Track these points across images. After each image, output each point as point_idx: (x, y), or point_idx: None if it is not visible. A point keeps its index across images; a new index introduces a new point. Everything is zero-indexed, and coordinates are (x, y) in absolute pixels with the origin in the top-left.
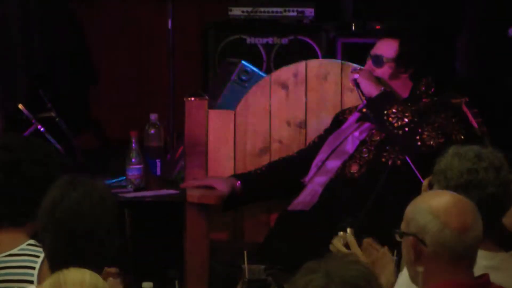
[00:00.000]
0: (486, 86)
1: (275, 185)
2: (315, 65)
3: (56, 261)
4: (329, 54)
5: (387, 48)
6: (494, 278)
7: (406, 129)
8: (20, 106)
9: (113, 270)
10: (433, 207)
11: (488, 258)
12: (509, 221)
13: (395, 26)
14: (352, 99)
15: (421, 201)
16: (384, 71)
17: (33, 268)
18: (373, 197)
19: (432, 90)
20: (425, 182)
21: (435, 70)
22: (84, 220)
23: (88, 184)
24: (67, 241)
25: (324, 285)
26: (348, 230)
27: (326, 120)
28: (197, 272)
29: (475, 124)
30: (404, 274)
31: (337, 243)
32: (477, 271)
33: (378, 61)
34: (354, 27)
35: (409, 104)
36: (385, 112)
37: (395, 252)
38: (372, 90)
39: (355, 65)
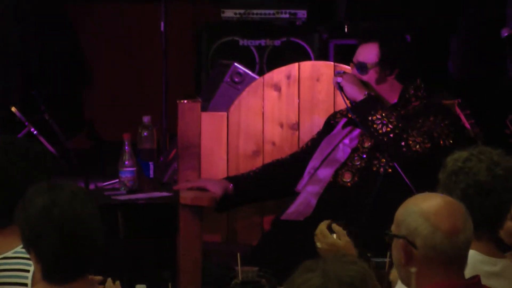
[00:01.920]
0: (479, 87)
1: (267, 188)
2: (308, 66)
3: (55, 266)
4: (322, 55)
5: (367, 53)
6: (496, 285)
7: (391, 135)
8: (13, 109)
9: (97, 278)
10: (424, 209)
11: (490, 264)
12: (504, 232)
13: (372, 28)
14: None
15: (411, 204)
16: (370, 77)
17: (27, 271)
18: (367, 207)
19: (422, 92)
20: (322, 225)
21: (426, 72)
22: (80, 221)
23: (70, 186)
24: (69, 244)
25: (321, 284)
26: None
27: (319, 121)
28: (190, 274)
29: (467, 126)
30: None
31: (321, 226)
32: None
33: (362, 68)
34: (347, 29)
35: (398, 108)
36: (370, 118)
37: (388, 254)
38: (356, 94)
39: (339, 69)
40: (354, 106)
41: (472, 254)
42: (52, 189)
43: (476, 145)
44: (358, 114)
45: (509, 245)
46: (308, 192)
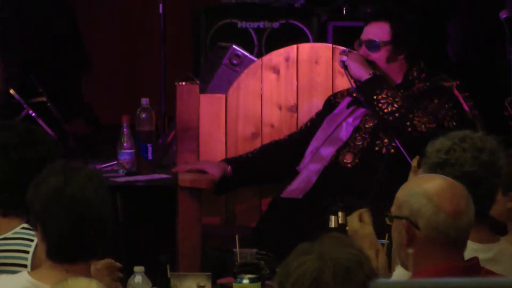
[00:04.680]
0: (478, 70)
1: (266, 169)
2: (307, 49)
3: (60, 246)
4: (320, 38)
5: (379, 31)
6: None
7: (397, 114)
8: (11, 91)
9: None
10: (427, 190)
11: (484, 251)
12: (497, 209)
13: (384, 8)
14: (343, 83)
15: (414, 185)
16: (380, 55)
17: (27, 252)
18: (371, 188)
19: (423, 75)
20: (413, 163)
21: (426, 54)
22: (90, 204)
23: (86, 169)
24: (76, 225)
25: (317, 267)
26: (340, 213)
27: (318, 104)
28: (189, 256)
29: (466, 108)
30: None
31: (354, 214)
32: None
33: (373, 45)
34: (345, 11)
35: (401, 90)
36: (375, 97)
37: (387, 236)
38: (361, 73)
39: (342, 48)
40: (359, 85)
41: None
42: (68, 169)
43: (473, 127)
44: (363, 93)
45: (502, 224)
46: (310, 170)
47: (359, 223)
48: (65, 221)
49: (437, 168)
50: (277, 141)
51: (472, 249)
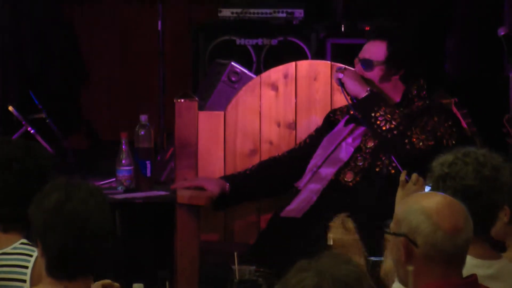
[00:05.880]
0: (476, 86)
1: (264, 186)
2: (305, 65)
3: (60, 262)
4: (319, 55)
5: (375, 50)
6: (492, 287)
7: (395, 132)
8: (10, 108)
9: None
10: (426, 207)
11: (484, 267)
12: (495, 231)
13: (382, 26)
14: (342, 99)
15: (413, 202)
16: (374, 74)
17: (26, 267)
18: (368, 207)
19: (424, 93)
20: (401, 177)
21: (424, 71)
22: (91, 220)
23: (88, 185)
24: (76, 241)
25: (316, 284)
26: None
27: (316, 120)
28: (187, 273)
29: (464, 125)
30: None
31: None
32: None
33: (368, 64)
34: (344, 28)
35: (401, 108)
36: (373, 114)
37: (384, 253)
38: (358, 90)
39: (340, 65)
40: (356, 102)
41: (467, 259)
42: (70, 186)
43: (473, 144)
44: (360, 110)
45: (501, 242)
46: (310, 190)
47: (343, 230)
48: (66, 236)
49: (440, 181)
50: (276, 157)
51: (472, 265)
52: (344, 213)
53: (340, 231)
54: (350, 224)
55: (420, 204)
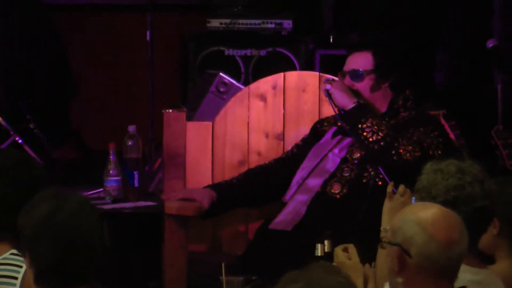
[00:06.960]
0: (465, 98)
1: (251, 195)
2: (294, 77)
3: (49, 273)
4: (308, 66)
5: (362, 61)
6: None
7: (382, 143)
8: None
9: None
10: (421, 218)
11: (473, 273)
12: (484, 243)
13: (365, 37)
14: (330, 111)
15: (409, 212)
16: (365, 84)
17: (16, 278)
18: (356, 219)
19: (410, 103)
20: (388, 188)
21: (414, 82)
22: (80, 232)
23: (78, 196)
24: (65, 253)
25: None
26: (326, 242)
27: (305, 131)
28: (175, 284)
29: (452, 136)
30: None
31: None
32: (462, 284)
33: (357, 75)
34: (333, 39)
35: (386, 118)
36: (360, 126)
37: (373, 264)
38: (345, 102)
39: (328, 76)
40: (344, 114)
41: None
42: (59, 196)
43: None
44: (347, 122)
45: (490, 257)
46: (297, 201)
47: (345, 255)
48: (55, 248)
49: (448, 206)
50: (263, 166)
51: (461, 270)
52: (331, 225)
53: (342, 256)
54: (352, 251)
55: (416, 215)
